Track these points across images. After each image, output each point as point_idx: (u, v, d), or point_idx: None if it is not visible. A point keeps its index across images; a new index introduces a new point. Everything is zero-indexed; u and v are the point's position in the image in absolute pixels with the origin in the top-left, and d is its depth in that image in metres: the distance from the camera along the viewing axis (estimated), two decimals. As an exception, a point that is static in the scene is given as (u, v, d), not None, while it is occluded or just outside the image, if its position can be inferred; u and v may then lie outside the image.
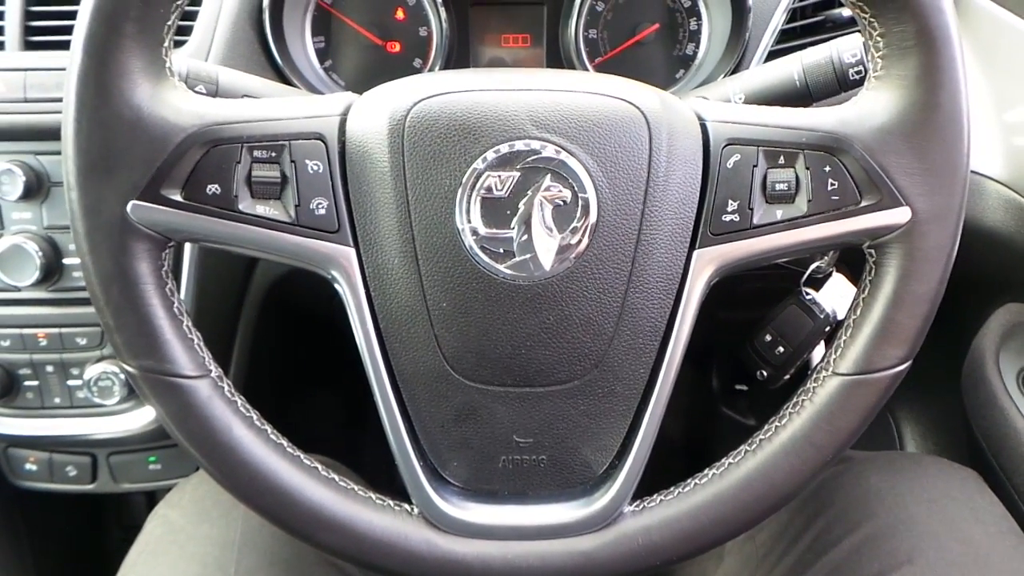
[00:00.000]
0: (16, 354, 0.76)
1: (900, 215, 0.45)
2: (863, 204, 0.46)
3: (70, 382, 0.77)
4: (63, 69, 0.43)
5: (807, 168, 0.46)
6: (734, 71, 0.75)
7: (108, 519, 1.08)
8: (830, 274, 0.63)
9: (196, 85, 0.57)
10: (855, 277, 0.56)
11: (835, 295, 0.62)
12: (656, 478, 0.51)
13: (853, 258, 0.55)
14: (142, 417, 0.79)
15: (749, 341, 0.64)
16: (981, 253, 0.72)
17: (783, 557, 0.67)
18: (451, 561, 0.48)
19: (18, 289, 0.73)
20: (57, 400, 0.78)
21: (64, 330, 0.75)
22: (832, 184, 0.46)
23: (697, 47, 0.81)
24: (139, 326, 0.45)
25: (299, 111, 0.46)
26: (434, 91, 0.46)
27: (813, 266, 0.62)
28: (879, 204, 0.45)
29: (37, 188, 0.72)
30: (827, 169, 0.46)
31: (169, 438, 0.48)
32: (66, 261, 0.74)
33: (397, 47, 0.81)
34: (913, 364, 0.48)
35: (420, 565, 0.48)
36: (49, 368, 0.77)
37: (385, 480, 0.55)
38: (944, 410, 1.01)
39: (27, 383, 0.77)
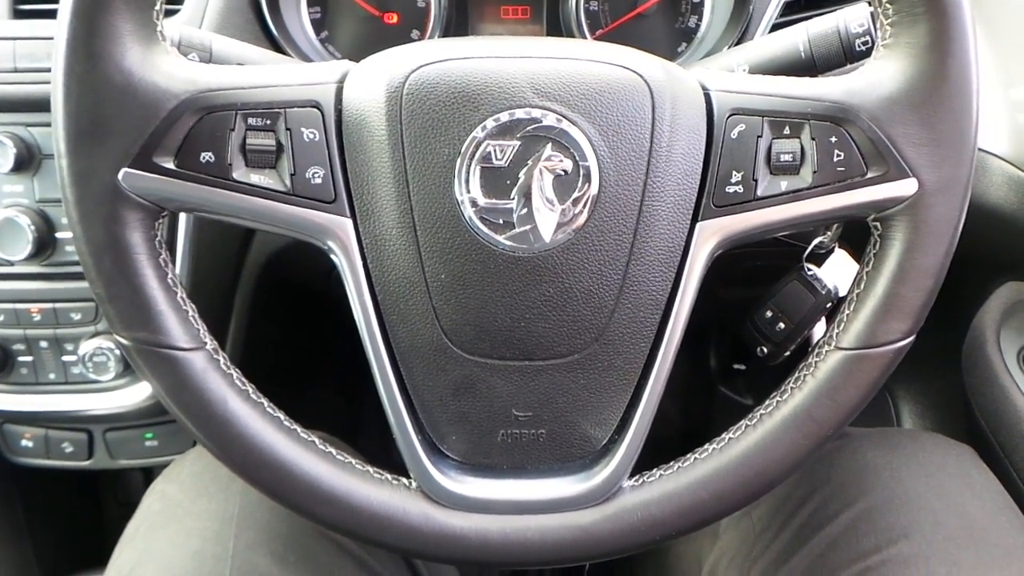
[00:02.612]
0: (10, 329, 0.75)
1: (906, 187, 0.44)
2: (869, 176, 0.45)
3: (65, 358, 0.77)
4: (53, 38, 0.42)
5: (813, 139, 0.45)
6: (737, 45, 0.74)
7: (106, 495, 1.08)
8: (832, 250, 0.62)
9: (189, 53, 0.56)
10: (857, 253, 0.56)
11: (837, 271, 0.61)
12: (653, 457, 0.50)
13: (855, 235, 0.55)
14: (138, 393, 0.78)
15: (749, 317, 0.63)
16: (983, 231, 0.72)
17: (780, 532, 0.67)
18: (449, 535, 0.48)
19: (11, 263, 0.73)
20: (52, 376, 0.77)
21: (58, 305, 0.74)
22: (838, 155, 0.45)
23: (700, 19, 0.80)
24: (132, 297, 0.44)
25: (295, 78, 0.45)
26: (433, 58, 0.45)
27: (815, 241, 0.61)
28: (885, 176, 0.44)
29: (28, 160, 0.71)
30: (833, 140, 0.45)
31: (166, 414, 0.48)
32: (59, 235, 0.73)
33: (395, 18, 0.80)
34: (911, 342, 0.48)
35: (418, 539, 0.48)
36: (43, 343, 0.76)
37: (383, 456, 0.55)
38: (942, 389, 1.01)
39: (21, 359, 0.77)
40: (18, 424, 0.86)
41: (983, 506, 0.64)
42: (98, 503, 1.07)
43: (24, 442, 0.86)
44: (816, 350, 0.48)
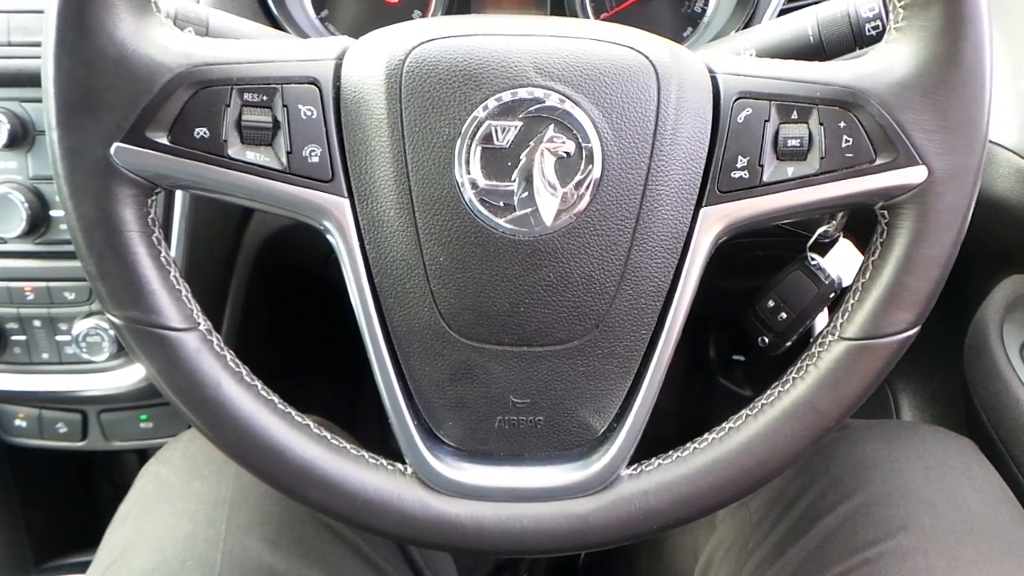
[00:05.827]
0: (2, 308, 0.74)
1: (916, 174, 0.44)
2: (878, 162, 0.44)
3: (58, 337, 0.76)
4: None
5: (821, 124, 0.44)
6: (744, 29, 0.72)
7: (99, 477, 1.07)
8: (836, 239, 0.61)
9: (185, 27, 0.54)
10: (861, 244, 0.55)
11: (841, 261, 0.60)
12: (651, 447, 0.50)
13: (859, 225, 0.54)
14: (132, 374, 0.78)
15: (751, 307, 0.63)
16: (988, 223, 0.71)
17: (777, 524, 0.67)
18: (444, 522, 0.47)
19: (4, 241, 0.72)
20: (45, 355, 0.77)
21: (52, 284, 0.74)
22: (846, 141, 0.44)
23: (706, 4, 0.78)
24: (123, 275, 0.43)
25: (293, 54, 0.44)
26: (434, 35, 0.44)
27: (820, 230, 0.61)
28: (894, 163, 0.44)
29: (22, 136, 0.70)
30: (842, 125, 0.44)
31: (160, 396, 0.47)
32: (53, 213, 0.72)
33: (396, -3, 0.78)
34: (916, 333, 0.47)
35: (413, 525, 0.48)
36: (37, 323, 0.75)
37: (380, 444, 0.54)
38: (942, 382, 1.01)
39: (14, 338, 0.76)
40: (11, 404, 0.85)
41: (983, 499, 0.63)
42: (92, 485, 1.07)
43: (17, 422, 0.86)
44: (820, 340, 0.48)
